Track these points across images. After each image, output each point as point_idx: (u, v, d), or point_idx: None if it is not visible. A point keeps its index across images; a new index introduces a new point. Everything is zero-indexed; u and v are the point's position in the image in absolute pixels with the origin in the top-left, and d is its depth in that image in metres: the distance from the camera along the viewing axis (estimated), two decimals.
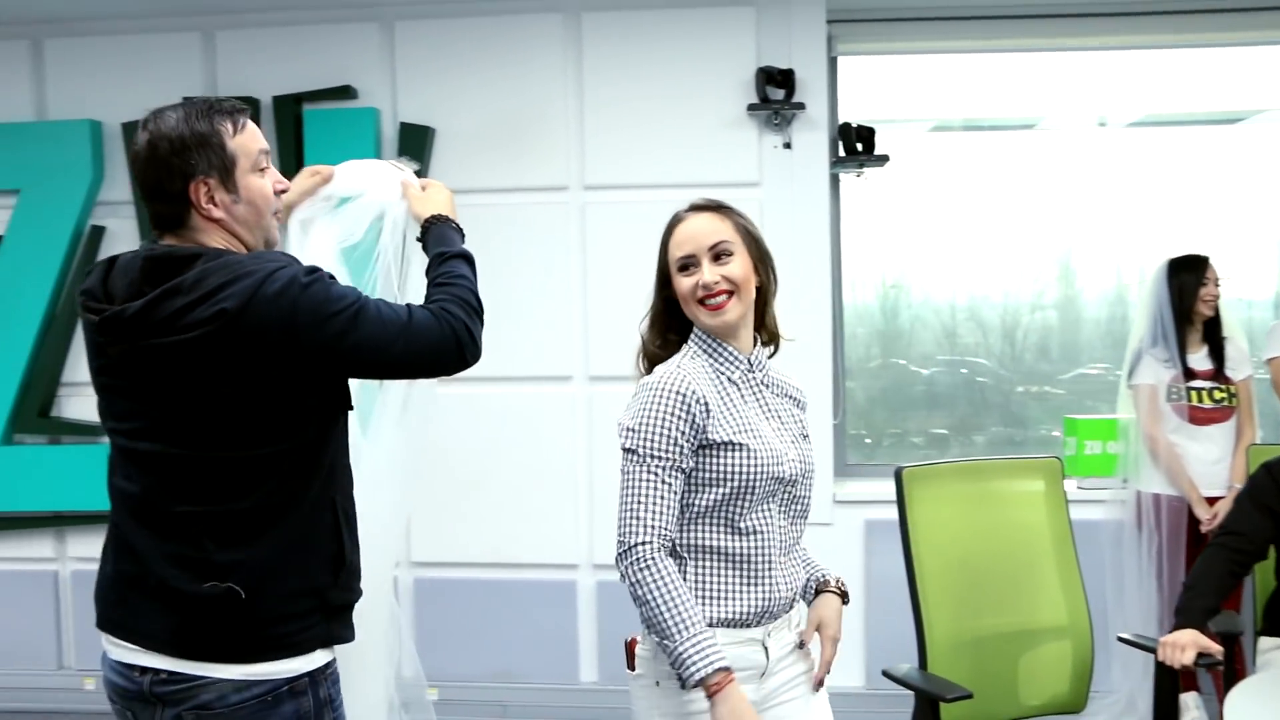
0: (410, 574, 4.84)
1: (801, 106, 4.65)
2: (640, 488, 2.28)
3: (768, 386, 2.46)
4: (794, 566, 2.43)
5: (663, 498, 2.27)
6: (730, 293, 2.34)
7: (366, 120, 4.78)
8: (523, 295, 4.78)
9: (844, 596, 2.49)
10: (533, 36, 4.78)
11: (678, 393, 2.29)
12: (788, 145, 4.70)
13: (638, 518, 2.27)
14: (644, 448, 2.28)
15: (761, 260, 2.41)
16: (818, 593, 2.49)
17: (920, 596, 3.24)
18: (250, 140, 2.18)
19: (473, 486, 4.78)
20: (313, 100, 4.83)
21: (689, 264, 2.36)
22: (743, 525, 2.32)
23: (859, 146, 4.80)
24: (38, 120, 4.98)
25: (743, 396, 2.39)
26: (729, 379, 2.39)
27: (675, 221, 2.41)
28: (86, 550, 5.01)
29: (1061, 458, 3.67)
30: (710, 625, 2.27)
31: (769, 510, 2.35)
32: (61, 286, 4.92)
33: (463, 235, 2.40)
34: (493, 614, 4.51)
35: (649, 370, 2.43)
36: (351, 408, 2.28)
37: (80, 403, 4.98)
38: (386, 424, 2.63)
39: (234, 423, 2.09)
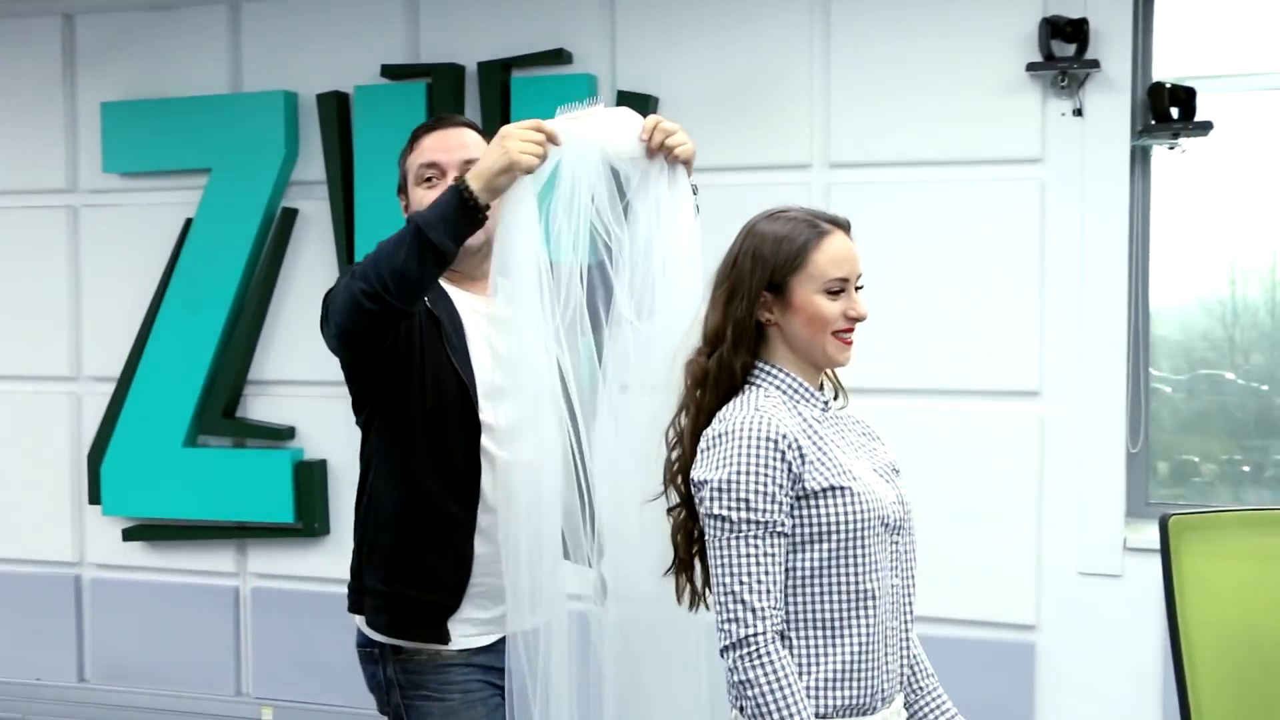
0: None
1: (1095, 65, 4.16)
2: (741, 564, 2.18)
3: (842, 422, 2.40)
4: (904, 635, 2.36)
5: (768, 573, 2.19)
6: None
7: (581, 88, 4.60)
8: None
9: None
10: None
11: (768, 439, 2.19)
12: (1078, 112, 4.22)
13: (742, 601, 2.17)
14: (738, 512, 2.18)
15: None
16: None
17: (1188, 678, 2.89)
18: (418, 154, 2.66)
19: None
20: (522, 66, 4.70)
21: (840, 287, 2.31)
22: (860, 588, 2.22)
23: (1174, 113, 4.25)
24: (232, 93, 5.04)
25: (827, 437, 2.31)
26: (810, 418, 2.31)
27: (822, 234, 2.32)
28: (269, 566, 5.03)
29: None
30: (824, 718, 2.21)
31: (881, 568, 2.26)
32: (251, 274, 4.94)
33: (464, 199, 2.37)
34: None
35: (699, 414, 2.32)
36: (413, 413, 2.59)
37: (267, 403, 5.00)
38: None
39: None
